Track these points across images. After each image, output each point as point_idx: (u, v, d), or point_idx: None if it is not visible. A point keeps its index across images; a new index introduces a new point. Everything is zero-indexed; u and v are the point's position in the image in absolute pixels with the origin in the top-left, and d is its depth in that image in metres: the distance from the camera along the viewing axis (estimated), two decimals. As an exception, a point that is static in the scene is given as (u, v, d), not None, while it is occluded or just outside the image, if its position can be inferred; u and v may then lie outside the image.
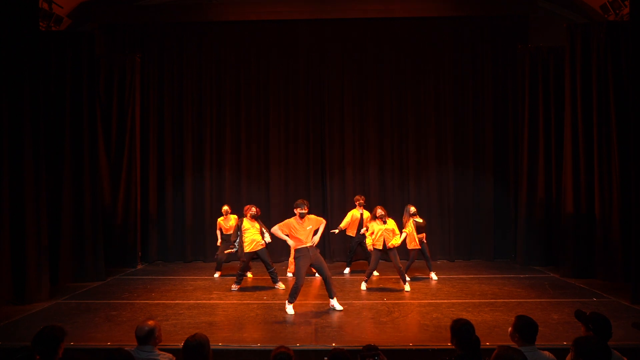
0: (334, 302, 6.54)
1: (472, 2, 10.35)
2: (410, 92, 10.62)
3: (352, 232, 8.85)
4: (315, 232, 6.66)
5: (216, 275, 8.79)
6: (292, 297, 6.41)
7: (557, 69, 9.38)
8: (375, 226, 7.61)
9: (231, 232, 8.69)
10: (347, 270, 9.08)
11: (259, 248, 7.77)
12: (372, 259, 7.66)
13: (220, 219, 9.02)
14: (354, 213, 8.82)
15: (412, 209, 8.14)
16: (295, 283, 6.42)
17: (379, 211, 7.65)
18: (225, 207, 8.99)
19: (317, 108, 10.67)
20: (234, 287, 7.75)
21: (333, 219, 10.32)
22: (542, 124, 9.57)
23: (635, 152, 7.02)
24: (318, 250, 6.65)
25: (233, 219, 8.79)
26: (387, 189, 10.57)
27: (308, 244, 6.45)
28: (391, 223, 7.68)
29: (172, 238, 10.50)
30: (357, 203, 8.88)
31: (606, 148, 8.36)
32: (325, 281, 6.57)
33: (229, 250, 8.29)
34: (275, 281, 7.87)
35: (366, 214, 8.69)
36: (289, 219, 6.61)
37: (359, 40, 10.66)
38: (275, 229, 6.59)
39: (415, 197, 10.39)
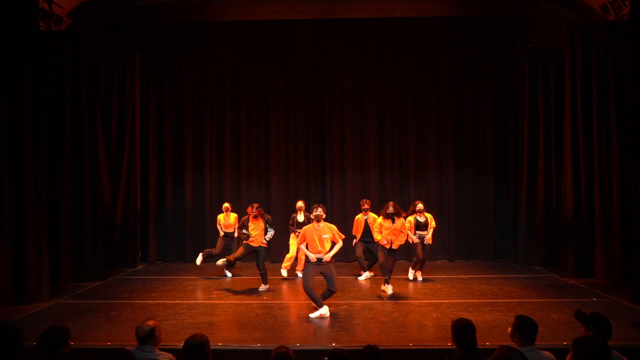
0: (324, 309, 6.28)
1: (472, 2, 10.35)
2: (410, 92, 10.61)
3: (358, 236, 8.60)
4: (333, 245, 6.36)
5: (198, 260, 8.59)
6: (315, 302, 6.28)
7: (557, 69, 9.38)
8: (384, 224, 7.49)
9: (231, 229, 8.75)
10: (364, 275, 8.60)
11: (258, 246, 7.73)
12: (381, 256, 7.49)
13: (221, 216, 9.02)
14: (358, 218, 8.58)
15: (419, 206, 8.19)
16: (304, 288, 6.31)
17: (390, 209, 7.50)
18: (226, 205, 9.01)
19: (317, 108, 10.67)
20: (263, 287, 7.76)
21: (333, 219, 10.29)
22: (542, 124, 9.57)
23: (635, 152, 7.02)
24: (332, 262, 6.40)
25: (233, 216, 8.84)
26: (387, 189, 10.56)
27: (322, 257, 6.19)
28: (400, 222, 7.54)
29: (172, 238, 10.50)
30: (362, 208, 8.49)
31: (606, 148, 8.36)
32: (329, 290, 6.38)
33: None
34: (264, 282, 7.82)
35: (372, 217, 8.33)
36: (306, 227, 6.37)
37: (359, 40, 10.66)
38: (302, 248, 6.40)
39: (415, 197, 10.35)
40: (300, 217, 8.62)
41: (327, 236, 6.28)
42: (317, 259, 6.22)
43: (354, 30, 10.62)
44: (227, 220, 8.90)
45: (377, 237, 7.58)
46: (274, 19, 10.42)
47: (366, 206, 8.48)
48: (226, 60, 10.71)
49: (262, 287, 7.78)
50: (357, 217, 8.65)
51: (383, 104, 10.64)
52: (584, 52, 8.54)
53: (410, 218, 8.15)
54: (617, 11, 9.00)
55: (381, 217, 7.60)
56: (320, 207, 6.43)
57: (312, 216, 6.46)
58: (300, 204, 8.68)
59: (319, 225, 6.31)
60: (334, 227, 6.46)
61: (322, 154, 10.64)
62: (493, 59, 10.49)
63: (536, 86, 9.59)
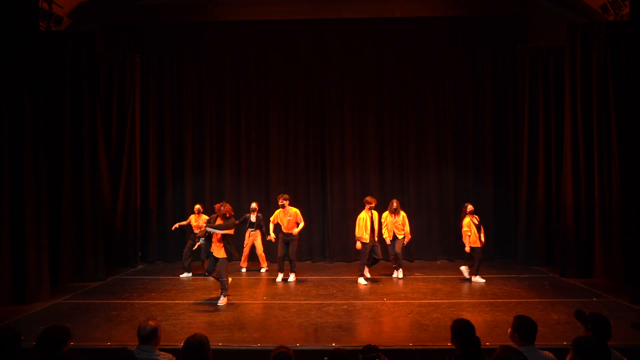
0: (291, 277, 8.37)
1: (472, 2, 10.35)
2: (410, 92, 10.62)
3: (365, 238, 8.14)
4: (297, 224, 8.40)
5: (183, 275, 8.84)
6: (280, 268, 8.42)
7: (557, 69, 9.39)
8: (388, 218, 8.48)
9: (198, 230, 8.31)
10: (366, 276, 8.43)
11: (220, 256, 6.92)
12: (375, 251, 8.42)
13: (192, 217, 9.11)
14: (362, 216, 8.24)
15: (470, 207, 8.33)
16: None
17: (393, 204, 8.50)
18: (198, 206, 9.19)
19: (317, 108, 10.67)
20: (222, 300, 6.88)
21: (333, 218, 10.36)
22: (542, 124, 9.58)
23: (635, 152, 7.02)
24: (296, 237, 8.40)
25: (203, 218, 8.70)
26: (387, 189, 10.55)
27: (290, 231, 8.29)
28: (402, 216, 8.50)
29: (172, 238, 10.48)
30: (367, 206, 8.28)
31: (606, 148, 8.37)
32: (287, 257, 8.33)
33: (198, 244, 8.17)
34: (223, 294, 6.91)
35: (376, 215, 8.29)
36: (278, 212, 8.49)
37: (359, 40, 10.65)
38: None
39: (415, 197, 10.40)
40: (253, 218, 9.09)
41: (290, 218, 8.32)
42: (285, 234, 8.35)
43: (354, 30, 10.62)
44: (197, 220, 8.96)
45: (385, 235, 8.47)
46: (274, 19, 10.43)
47: (372, 204, 8.23)
48: (226, 60, 10.72)
49: (222, 301, 6.85)
50: (361, 214, 8.35)
51: (383, 103, 10.64)
52: (584, 52, 8.54)
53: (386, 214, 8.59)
54: (617, 11, 8.99)
55: (388, 215, 8.49)
56: (282, 197, 8.41)
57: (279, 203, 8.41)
58: (254, 205, 9.15)
59: (285, 211, 8.36)
60: (297, 211, 8.48)
61: (322, 153, 10.64)
62: (493, 59, 10.50)
63: (536, 86, 9.59)
